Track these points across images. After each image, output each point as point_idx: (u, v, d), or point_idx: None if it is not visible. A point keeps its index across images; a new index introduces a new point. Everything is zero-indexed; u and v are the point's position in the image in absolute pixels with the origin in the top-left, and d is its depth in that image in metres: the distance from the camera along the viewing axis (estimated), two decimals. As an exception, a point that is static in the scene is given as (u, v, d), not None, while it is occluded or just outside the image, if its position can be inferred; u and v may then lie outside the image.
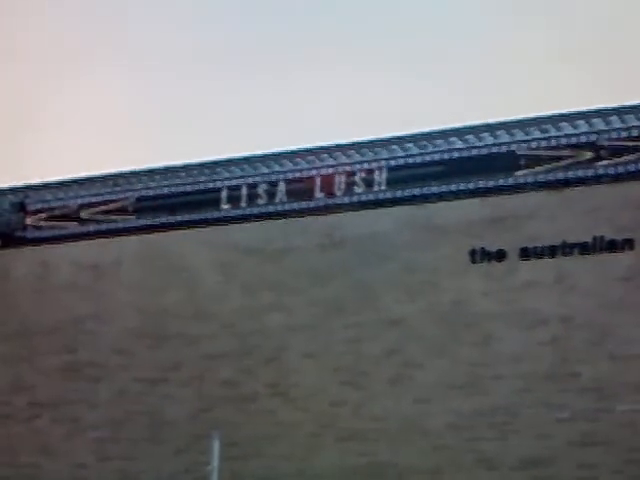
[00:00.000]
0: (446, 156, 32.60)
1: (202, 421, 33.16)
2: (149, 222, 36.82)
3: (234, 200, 35.99)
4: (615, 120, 31.08)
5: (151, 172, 37.62)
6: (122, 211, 37.26)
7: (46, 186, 38.64)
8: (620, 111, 31.01)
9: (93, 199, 37.93)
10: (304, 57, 57.46)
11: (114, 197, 37.66)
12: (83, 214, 37.80)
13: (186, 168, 37.06)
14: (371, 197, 33.57)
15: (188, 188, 36.91)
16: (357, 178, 33.96)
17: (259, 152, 36.03)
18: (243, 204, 35.99)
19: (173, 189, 37.10)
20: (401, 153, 33.29)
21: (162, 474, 33.90)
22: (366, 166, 33.71)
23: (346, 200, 33.77)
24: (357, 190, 33.83)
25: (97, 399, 35.49)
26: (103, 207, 37.67)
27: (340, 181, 34.23)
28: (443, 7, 56.64)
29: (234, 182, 36.06)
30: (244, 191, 36.01)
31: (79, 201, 37.97)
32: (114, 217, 37.29)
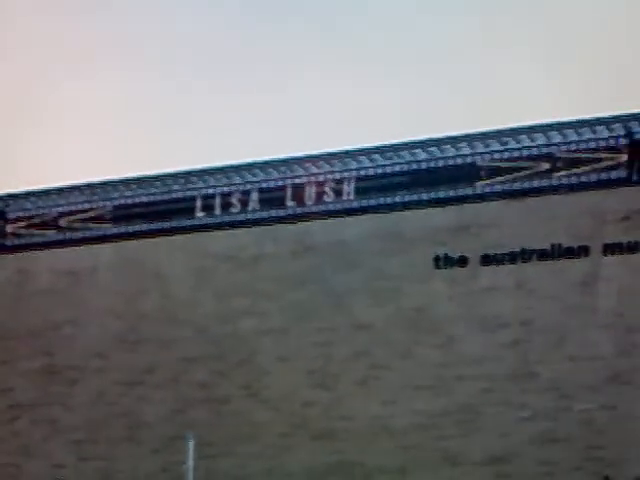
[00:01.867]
0: (411, 167, 33.14)
1: (177, 422, 33.29)
2: (125, 230, 36.98)
3: (208, 209, 36.33)
4: (571, 133, 31.61)
5: (127, 181, 37.75)
6: (99, 219, 37.35)
7: (26, 195, 38.70)
8: (576, 124, 31.54)
9: (71, 207, 38.10)
10: (275, 70, 57.55)
11: (91, 206, 37.80)
12: (62, 222, 37.95)
13: (161, 178, 37.27)
14: (340, 206, 33.94)
15: (164, 197, 37.19)
16: (327, 188, 34.31)
17: (233, 162, 36.32)
18: (217, 212, 36.33)
19: (149, 198, 37.44)
20: (369, 164, 33.78)
21: (139, 473, 34.07)
22: (335, 176, 34.12)
23: (316, 209, 34.18)
24: (327, 199, 34.23)
25: (75, 401, 35.57)
26: (81, 215, 37.83)
27: (310, 191, 34.58)
28: (407, 22, 56.94)
29: (208, 191, 36.39)
30: (218, 200, 36.32)
31: (58, 209, 38.12)
32: (91, 225, 37.43)
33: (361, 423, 31.16)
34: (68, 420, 35.44)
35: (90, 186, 37.97)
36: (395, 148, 33.31)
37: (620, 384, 28.60)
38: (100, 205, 37.42)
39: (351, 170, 33.80)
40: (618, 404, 28.54)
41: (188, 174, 36.68)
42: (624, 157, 31.01)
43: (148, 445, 33.92)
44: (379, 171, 33.51)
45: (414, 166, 32.99)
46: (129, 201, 37.26)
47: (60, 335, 36.23)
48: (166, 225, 36.39)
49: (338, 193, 34.02)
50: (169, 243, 35.87)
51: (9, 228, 38.39)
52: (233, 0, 58.67)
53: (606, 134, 31.27)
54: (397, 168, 33.23)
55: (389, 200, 33.06)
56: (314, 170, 34.49)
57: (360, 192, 33.65)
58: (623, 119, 31.29)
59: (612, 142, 31.09)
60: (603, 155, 31.18)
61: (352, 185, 33.85)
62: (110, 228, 37.19)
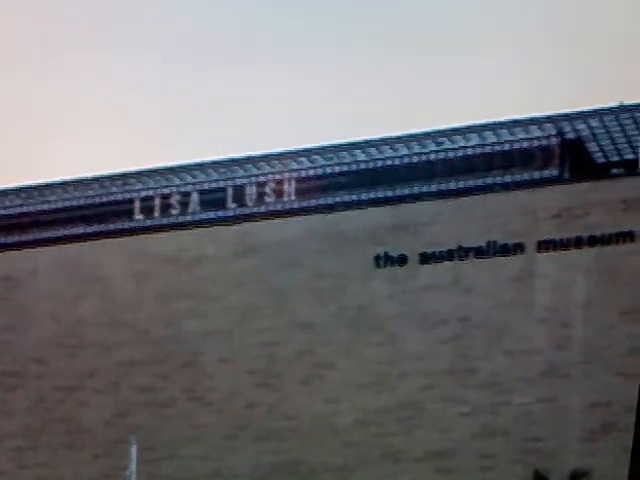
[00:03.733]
0: (351, 168, 33.12)
1: (119, 426, 32.89)
2: (63, 233, 36.49)
3: (147, 211, 35.77)
4: (505, 133, 31.63)
5: (64, 184, 37.44)
6: (36, 223, 36.76)
7: None
8: (509, 125, 31.55)
9: (6, 211, 37.50)
10: (217, 70, 56.52)
11: (28, 209, 37.15)
12: None
13: (98, 180, 36.47)
14: (281, 207, 33.79)
15: (102, 199, 36.26)
16: (267, 189, 33.84)
17: (171, 164, 35.50)
18: (156, 214, 35.59)
19: (86, 200, 36.48)
20: (309, 165, 33.48)
21: (82, 479, 33.05)
22: (276, 177, 33.74)
23: (257, 210, 33.86)
24: (268, 200, 33.84)
25: (14, 408, 34.92)
26: (17, 219, 37.26)
27: (251, 191, 34.06)
28: (356, 28, 56.51)
29: (148, 193, 35.65)
30: (157, 202, 35.54)
31: None
32: (28, 229, 36.83)
33: (305, 422, 30.93)
34: (7, 427, 34.91)
35: (26, 189, 37.40)
36: (335, 149, 33.50)
37: (557, 377, 28.89)
38: (37, 209, 36.92)
39: (291, 171, 33.38)
40: (555, 397, 28.61)
41: (126, 176, 36.07)
42: (556, 156, 31.08)
43: (90, 451, 33.51)
44: (319, 172, 33.29)
45: (354, 167, 32.99)
46: (67, 204, 36.82)
47: (-2, 341, 35.03)
48: (105, 228, 35.79)
49: (279, 194, 33.67)
50: (108, 246, 35.15)
51: (-56, 233, 36.93)
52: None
53: (538, 134, 31.34)
54: (337, 169, 33.14)
55: (329, 200, 33.20)
56: (254, 171, 34.09)
57: (301, 193, 33.34)
58: (555, 119, 31.52)
59: (544, 142, 31.16)
60: (536, 154, 31.19)
61: (293, 186, 33.44)
62: (48, 231, 36.37)
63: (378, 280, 31.28)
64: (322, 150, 33.21)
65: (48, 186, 36.73)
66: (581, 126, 31.29)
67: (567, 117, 31.22)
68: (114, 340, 33.72)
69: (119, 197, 35.78)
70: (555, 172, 31.16)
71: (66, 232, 35.86)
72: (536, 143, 31.37)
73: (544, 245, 30.01)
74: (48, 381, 34.24)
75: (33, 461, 33.85)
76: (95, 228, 35.63)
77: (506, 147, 31.69)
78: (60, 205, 36.37)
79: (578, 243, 29.50)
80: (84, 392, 33.78)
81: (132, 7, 60.01)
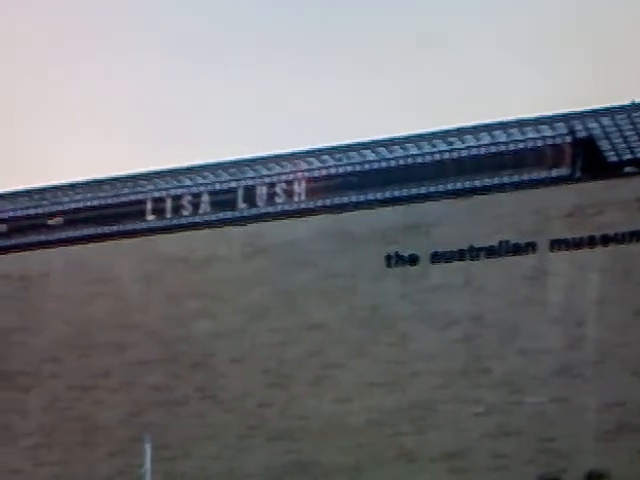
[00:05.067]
0: (361, 168, 32.14)
1: (133, 425, 31.88)
2: (75, 234, 35.64)
3: (159, 212, 35.00)
4: (515, 132, 30.71)
5: (76, 186, 36.36)
6: (49, 224, 35.91)
7: None
8: (519, 124, 30.61)
9: (20, 213, 36.73)
10: (227, 70, 55.65)
11: (41, 211, 36.43)
12: (10, 227, 36.58)
13: (110, 181, 35.72)
14: (291, 207, 32.78)
15: (114, 200, 35.58)
16: (278, 189, 32.97)
17: (183, 165, 34.82)
18: (168, 215, 34.87)
19: (99, 201, 35.81)
20: (319, 165, 32.58)
21: (96, 478, 32.64)
22: (286, 177, 32.85)
23: (267, 210, 32.96)
24: (278, 200, 32.97)
25: (29, 407, 33.93)
26: (30, 221, 36.48)
27: (262, 192, 33.23)
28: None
29: (159, 194, 34.90)
30: (168, 203, 34.81)
31: (6, 215, 36.74)
32: (41, 230, 36.09)
33: (316, 422, 30.01)
34: (22, 426, 33.87)
35: (39, 191, 36.59)
36: (344, 149, 32.42)
37: (571, 377, 27.82)
38: (49, 210, 36.09)
39: (301, 171, 32.50)
40: (569, 397, 27.60)
41: (136, 177, 35.28)
42: (567, 155, 30.12)
43: (104, 449, 32.52)
44: (329, 172, 32.37)
45: (363, 167, 32.01)
46: (79, 205, 35.98)
47: (12, 341, 34.51)
48: (116, 229, 34.97)
49: (289, 194, 32.75)
50: (120, 247, 34.21)
51: (-42, 234, 36.31)
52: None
53: (550, 132, 30.38)
54: (347, 169, 32.18)
55: (339, 200, 32.10)
56: (265, 172, 33.19)
57: (311, 193, 32.43)
58: (565, 118, 30.58)
59: (556, 140, 30.21)
60: (547, 153, 30.25)
61: (303, 186, 32.54)
62: (60, 232, 35.60)
63: (389, 280, 30.18)
64: (332, 150, 32.21)
65: (60, 188, 35.89)
66: (593, 124, 30.26)
67: (578, 115, 30.13)
68: (127, 340, 32.80)
69: (130, 198, 35.13)
70: (567, 171, 30.11)
71: (78, 233, 35.06)
72: (547, 142, 30.39)
73: (556, 244, 28.92)
74: (62, 380, 33.37)
75: (48, 459, 32.99)
76: (107, 229, 34.84)
77: (517, 146, 30.74)
78: (72, 206, 35.64)
79: (591, 242, 28.37)
80: (98, 391, 32.94)
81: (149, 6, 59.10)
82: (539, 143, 30.34)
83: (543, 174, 30.16)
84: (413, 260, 30.25)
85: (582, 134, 30.32)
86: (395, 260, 30.39)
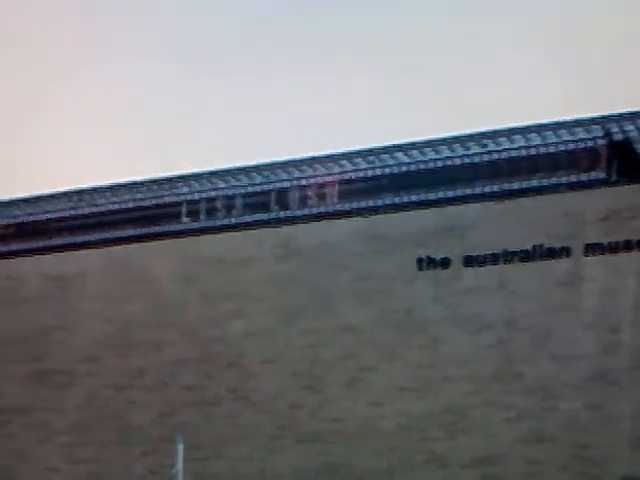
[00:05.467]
0: (393, 170, 31.78)
1: (167, 425, 31.80)
2: (113, 235, 35.72)
3: (194, 213, 35.03)
4: (550, 135, 30.09)
5: (114, 188, 36.50)
6: (87, 225, 36.05)
7: (14, 202, 37.59)
8: (554, 126, 30.01)
9: (59, 214, 36.98)
10: (259, 76, 55.58)
11: (79, 212, 36.65)
12: (50, 228, 36.83)
13: (147, 184, 35.87)
14: (324, 209, 32.52)
15: (152, 202, 35.70)
16: (310, 192, 32.83)
17: (217, 168, 34.80)
18: (202, 217, 34.90)
19: (135, 203, 35.96)
20: (352, 168, 32.28)
21: (130, 476, 32.63)
22: (319, 180, 32.64)
23: (300, 213, 32.76)
24: (311, 203, 32.79)
25: (66, 405, 34.06)
26: (69, 222, 36.68)
27: (294, 195, 33.08)
28: (390, 29, 55.10)
29: (194, 196, 34.92)
30: (203, 205, 34.84)
31: (46, 216, 37.02)
32: (79, 231, 36.29)
33: (348, 425, 29.60)
34: (59, 424, 34.01)
35: (78, 193, 36.81)
36: (377, 152, 32.04)
37: (605, 383, 27.09)
38: (87, 211, 36.20)
39: (334, 174, 32.26)
40: (603, 403, 26.96)
41: (173, 180, 35.38)
42: (603, 158, 29.43)
43: (138, 448, 32.49)
44: (362, 174, 32.05)
45: (396, 169, 31.69)
46: (116, 207, 36.10)
47: (50, 340, 34.69)
48: (153, 230, 35.02)
49: (322, 197, 32.52)
50: (156, 248, 34.20)
51: (-2, 235, 36.72)
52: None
53: (585, 135, 29.72)
54: (380, 171, 31.83)
55: (372, 203, 31.76)
56: (297, 174, 33.04)
57: (344, 195, 32.14)
58: (601, 120, 29.87)
59: (591, 143, 29.52)
60: (582, 156, 29.59)
61: (335, 189, 32.29)
62: (98, 233, 35.79)
63: (421, 283, 29.72)
64: (365, 153, 31.87)
65: (98, 190, 36.09)
66: (629, 127, 29.57)
67: (615, 118, 29.46)
68: (162, 340, 32.80)
69: (167, 200, 35.30)
70: (602, 174, 29.42)
71: (115, 234, 35.16)
72: (582, 145, 29.76)
73: (591, 248, 28.29)
74: (99, 379, 33.47)
75: (83, 457, 33.09)
76: (144, 230, 34.90)
77: (552, 149, 30.11)
78: (109, 208, 35.81)
79: (627, 246, 27.70)
80: (133, 390, 32.97)
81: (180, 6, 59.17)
82: (574, 146, 29.68)
83: (578, 177, 29.50)
84: (445, 263, 29.82)
85: (618, 137, 29.57)
86: (427, 263, 29.98)
